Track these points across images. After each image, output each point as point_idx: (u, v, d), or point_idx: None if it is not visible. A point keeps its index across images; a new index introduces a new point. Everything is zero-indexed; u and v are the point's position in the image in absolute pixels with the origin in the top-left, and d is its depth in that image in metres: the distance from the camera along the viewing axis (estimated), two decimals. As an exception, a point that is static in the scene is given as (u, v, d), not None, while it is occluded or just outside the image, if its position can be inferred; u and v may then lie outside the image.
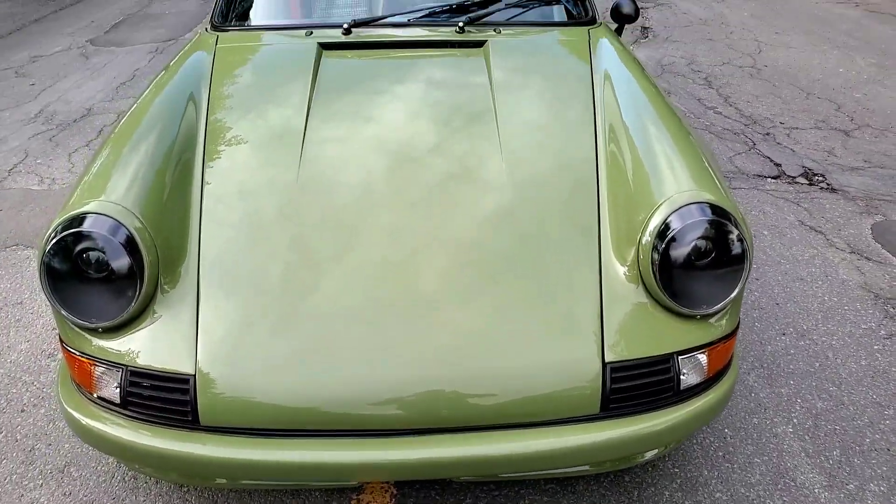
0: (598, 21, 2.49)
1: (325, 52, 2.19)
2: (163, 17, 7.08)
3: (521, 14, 2.42)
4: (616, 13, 2.67)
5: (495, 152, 1.78)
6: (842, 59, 5.53)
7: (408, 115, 1.96)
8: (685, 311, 1.50)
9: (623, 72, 2.15)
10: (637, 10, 2.66)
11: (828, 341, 2.41)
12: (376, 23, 2.34)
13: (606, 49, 2.28)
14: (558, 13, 2.54)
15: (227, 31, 2.42)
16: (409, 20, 2.36)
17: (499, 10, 2.39)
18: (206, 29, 2.47)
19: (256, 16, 2.53)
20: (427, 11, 2.39)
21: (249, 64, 2.27)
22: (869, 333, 2.45)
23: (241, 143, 1.88)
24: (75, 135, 4.24)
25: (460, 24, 2.29)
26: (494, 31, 2.32)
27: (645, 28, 6.45)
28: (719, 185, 1.61)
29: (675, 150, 1.72)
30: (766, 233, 3.10)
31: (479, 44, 2.23)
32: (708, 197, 1.53)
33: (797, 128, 4.24)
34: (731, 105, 4.60)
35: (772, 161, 3.80)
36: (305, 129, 1.86)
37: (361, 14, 2.44)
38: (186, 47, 2.38)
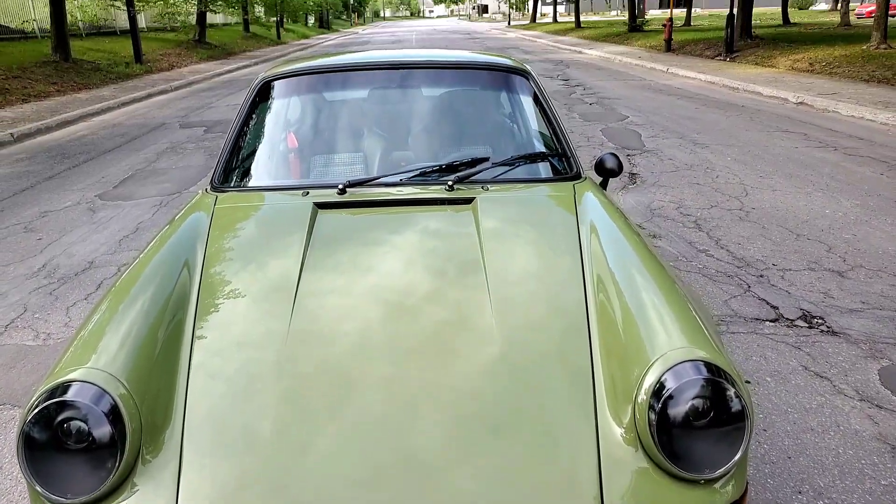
0: (583, 176, 2.58)
1: (320, 210, 2.25)
2: (169, 172, 7.39)
3: (508, 172, 2.51)
4: (600, 168, 2.78)
5: (485, 302, 1.78)
6: (827, 200, 5.70)
7: (399, 267, 1.98)
8: (687, 475, 1.42)
9: (608, 223, 2.20)
10: (620, 165, 2.76)
11: (847, 500, 2.28)
12: (370, 183, 2.43)
13: (591, 202, 2.34)
14: (544, 170, 2.64)
15: (226, 191, 2.51)
16: (401, 180, 2.45)
17: (486, 168, 2.47)
18: (206, 189, 2.56)
19: (254, 178, 2.63)
20: (418, 171, 2.48)
21: (246, 222, 2.32)
22: (891, 490, 2.32)
23: (233, 299, 1.89)
24: (75, 288, 4.28)
25: (449, 182, 2.37)
26: (482, 188, 2.39)
27: (633, 174, 6.71)
28: (712, 340, 1.60)
29: (664, 301, 1.74)
30: (769, 380, 3.03)
31: (468, 200, 2.30)
32: (702, 355, 1.50)
33: (790, 269, 4.28)
34: (722, 248, 4.68)
35: (768, 304, 3.80)
36: (299, 282, 1.87)
37: (357, 175, 2.53)
38: (186, 207, 2.45)
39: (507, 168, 2.51)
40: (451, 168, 2.48)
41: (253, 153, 2.72)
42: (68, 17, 18.97)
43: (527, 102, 2.90)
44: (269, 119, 2.81)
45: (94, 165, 7.83)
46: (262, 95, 2.81)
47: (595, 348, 1.66)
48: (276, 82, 2.85)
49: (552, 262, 2.03)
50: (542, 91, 2.86)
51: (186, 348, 1.69)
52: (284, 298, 1.82)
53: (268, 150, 2.74)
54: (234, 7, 27.09)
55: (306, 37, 40.09)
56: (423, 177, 2.46)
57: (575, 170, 2.60)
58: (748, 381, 2.99)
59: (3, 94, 12.08)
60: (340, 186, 2.35)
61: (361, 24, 67.90)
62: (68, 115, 10.96)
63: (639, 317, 1.69)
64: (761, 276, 4.19)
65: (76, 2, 19.90)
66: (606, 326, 1.71)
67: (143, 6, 20.73)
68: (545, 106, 2.80)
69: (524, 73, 2.89)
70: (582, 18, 39.53)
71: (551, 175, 2.62)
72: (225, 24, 33.09)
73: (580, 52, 23.76)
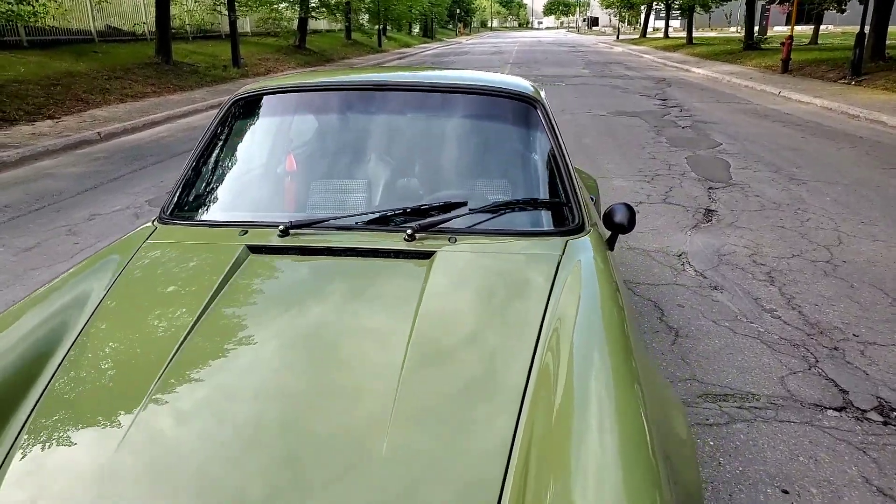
0: (587, 229, 2.13)
1: (251, 255, 1.95)
2: (227, 180, 7.36)
3: (488, 221, 2.09)
4: (608, 221, 2.28)
5: (391, 387, 1.43)
6: (938, 257, 4.85)
7: (309, 334, 1.66)
8: None
9: (591, 298, 1.76)
10: (632, 220, 2.25)
11: None
12: (319, 225, 2.08)
13: (582, 266, 1.89)
14: (536, 220, 2.19)
15: (170, 224, 2.24)
16: (356, 223, 2.10)
17: (462, 215, 2.08)
18: (154, 220, 2.31)
19: (200, 210, 2.33)
20: (378, 215, 2.11)
21: (165, 264, 2.03)
22: None
23: (102, 361, 1.60)
24: (89, 298, 4.19)
25: (409, 231, 1.99)
26: (450, 240, 2.00)
27: (709, 211, 6.03)
28: (659, 498, 1.13)
29: (616, 422, 1.30)
30: (814, 491, 2.43)
31: (427, 254, 1.92)
32: None
33: (875, 343, 3.57)
34: (794, 308, 4.00)
35: (837, 386, 3.15)
36: (184, 340, 1.59)
37: (312, 213, 2.20)
38: (118, 240, 2.20)
39: (488, 216, 2.10)
40: (417, 212, 2.10)
41: (210, 182, 2.43)
42: (178, 21, 20.03)
43: (531, 137, 2.46)
44: (233, 144, 2.51)
45: (159, 169, 7.95)
46: (232, 117, 2.53)
47: (511, 472, 1.25)
48: (247, 102, 2.55)
49: (498, 343, 1.62)
50: (551, 124, 2.41)
51: (21, 418, 1.43)
52: (155, 362, 1.52)
53: (223, 178, 2.44)
54: (335, 14, 27.72)
55: (408, 45, 40.56)
56: (383, 222, 2.10)
57: (577, 222, 2.14)
58: (786, 491, 2.41)
59: (103, 94, 12.70)
60: (282, 228, 2.02)
61: (467, 34, 68.19)
62: (156, 116, 11.34)
63: (576, 439, 1.26)
64: (836, 348, 3.51)
65: (185, 6, 20.87)
66: (533, 436, 1.30)
67: (246, 11, 21.44)
68: (552, 142, 2.35)
69: (532, 101, 2.45)
70: (697, 34, 37.84)
71: (544, 227, 2.17)
72: (328, 31, 33.97)
73: (686, 71, 22.60)
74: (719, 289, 4.28)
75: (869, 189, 6.78)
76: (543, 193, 2.31)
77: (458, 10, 65.71)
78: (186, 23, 21.52)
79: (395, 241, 1.99)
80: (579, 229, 2.12)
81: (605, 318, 1.68)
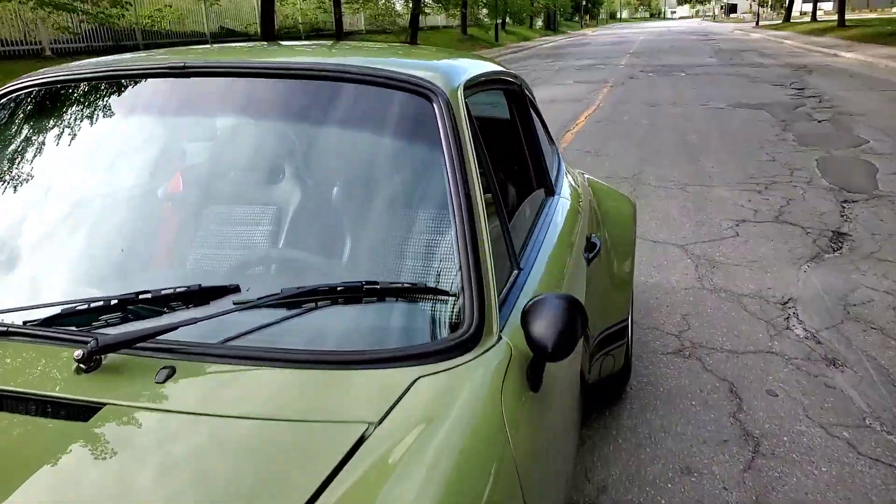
0: (488, 345, 1.02)
1: None
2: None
3: (259, 330, 1.05)
4: (525, 330, 1.06)
5: None
6: None
7: None
8: None
9: None
10: (568, 339, 0.99)
11: None
12: None
13: (433, 447, 0.85)
14: (371, 327, 1.10)
15: None
16: (24, 324, 1.11)
17: (197, 320, 1.06)
18: None
19: None
20: (59, 311, 1.12)
21: None
22: None
23: None
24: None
25: (81, 352, 0.97)
26: (171, 374, 0.99)
27: (840, 235, 4.48)
28: None
29: None
30: None
31: (90, 410, 0.91)
32: None
33: None
34: (963, 408, 2.55)
35: None
36: None
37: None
38: None
39: (273, 316, 1.07)
40: (124, 307, 1.11)
41: None
42: (290, 20, 20.44)
43: (413, 160, 1.34)
44: None
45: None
46: None
47: None
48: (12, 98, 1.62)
49: None
50: (457, 135, 1.25)
51: None
52: None
53: None
54: (447, 8, 27.17)
55: (527, 39, 38.97)
56: (58, 324, 1.11)
57: (467, 327, 1.04)
58: None
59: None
60: None
61: (593, 26, 65.38)
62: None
63: None
64: None
65: (297, 5, 21.15)
66: None
67: (357, 7, 21.61)
68: (452, 172, 1.20)
69: (428, 93, 1.30)
70: (851, 16, 33.73)
71: (387, 343, 1.08)
72: (445, 27, 33.20)
73: (834, 56, 19.79)
74: (839, 364, 2.88)
75: None
76: (412, 271, 1.17)
77: (583, 1, 62.91)
78: (299, 21, 21.59)
79: (60, 370, 1.00)
80: (463, 346, 1.01)
81: None
